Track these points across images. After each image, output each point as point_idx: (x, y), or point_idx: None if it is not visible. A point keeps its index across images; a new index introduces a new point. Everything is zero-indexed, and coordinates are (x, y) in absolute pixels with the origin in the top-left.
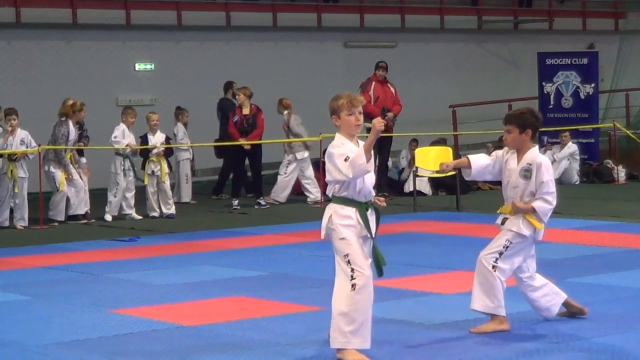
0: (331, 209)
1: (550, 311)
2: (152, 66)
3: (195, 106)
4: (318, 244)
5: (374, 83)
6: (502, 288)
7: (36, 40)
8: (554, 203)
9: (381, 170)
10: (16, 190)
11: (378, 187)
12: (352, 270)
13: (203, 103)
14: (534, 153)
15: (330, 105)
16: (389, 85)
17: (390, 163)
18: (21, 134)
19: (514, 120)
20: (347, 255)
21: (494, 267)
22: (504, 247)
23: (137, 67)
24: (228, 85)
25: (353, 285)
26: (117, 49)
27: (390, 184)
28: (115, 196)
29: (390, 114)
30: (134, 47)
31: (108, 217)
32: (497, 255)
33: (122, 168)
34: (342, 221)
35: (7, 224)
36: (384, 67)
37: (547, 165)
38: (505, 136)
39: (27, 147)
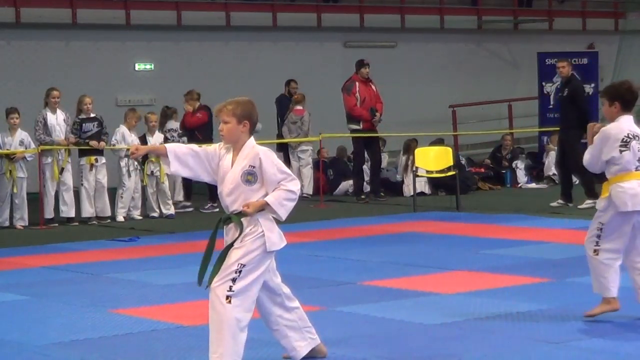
0: None
1: None
2: (152, 66)
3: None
4: (318, 244)
5: (357, 83)
6: (607, 270)
7: (36, 40)
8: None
9: (374, 170)
10: (15, 191)
11: (372, 187)
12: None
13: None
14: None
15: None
16: (371, 84)
17: (386, 163)
18: (21, 134)
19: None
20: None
21: (595, 251)
22: (598, 229)
23: (137, 67)
24: (287, 83)
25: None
26: (117, 49)
27: (387, 184)
28: (122, 196)
29: (378, 115)
30: (134, 47)
31: (120, 218)
32: (596, 239)
33: (128, 169)
34: None
35: (7, 224)
36: (369, 65)
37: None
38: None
39: (26, 148)
